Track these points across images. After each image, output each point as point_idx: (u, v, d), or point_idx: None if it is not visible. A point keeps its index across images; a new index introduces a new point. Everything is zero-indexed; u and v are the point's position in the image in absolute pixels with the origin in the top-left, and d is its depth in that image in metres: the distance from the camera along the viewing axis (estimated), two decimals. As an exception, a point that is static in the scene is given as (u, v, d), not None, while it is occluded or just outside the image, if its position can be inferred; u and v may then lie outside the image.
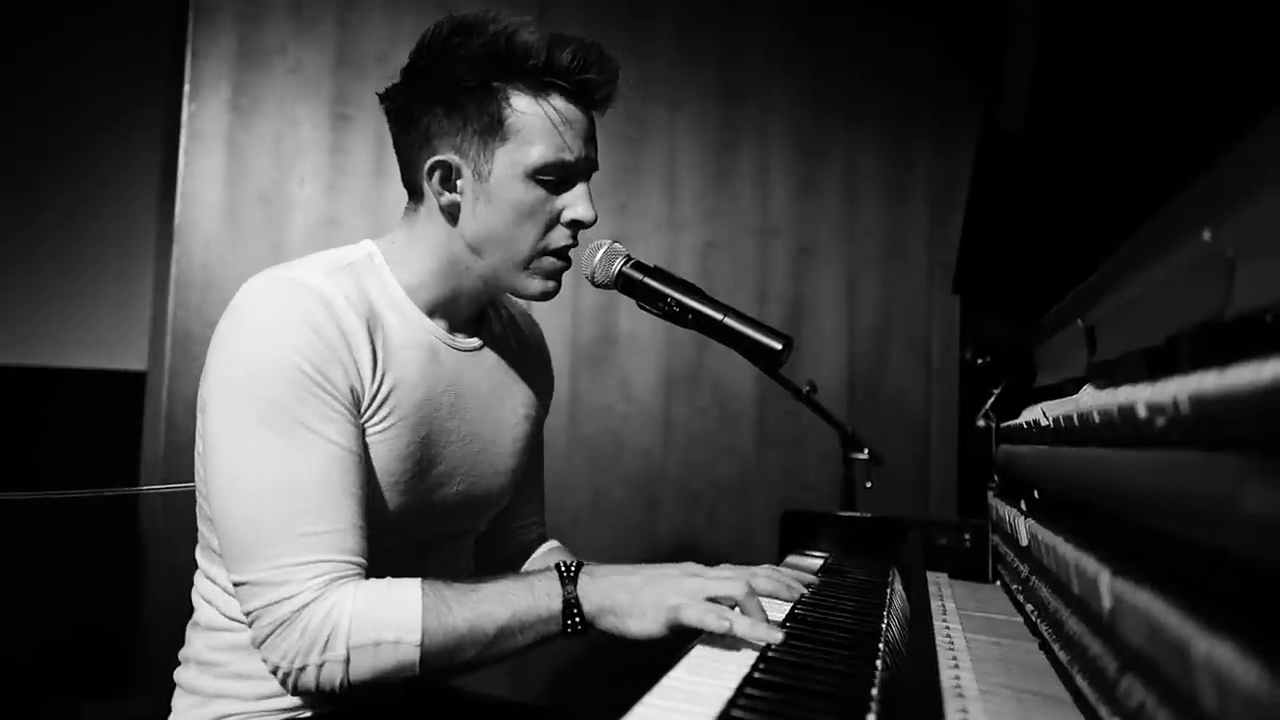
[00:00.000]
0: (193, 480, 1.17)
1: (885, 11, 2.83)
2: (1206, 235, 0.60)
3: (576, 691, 2.52)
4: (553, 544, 1.47)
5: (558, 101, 1.11)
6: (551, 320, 2.59)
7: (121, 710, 1.51)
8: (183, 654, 1.19)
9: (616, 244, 1.25)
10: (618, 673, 1.05)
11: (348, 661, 0.98)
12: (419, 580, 1.03)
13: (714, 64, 2.74)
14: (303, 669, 0.99)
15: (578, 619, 1.02)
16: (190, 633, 1.19)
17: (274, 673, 1.01)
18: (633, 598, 1.00)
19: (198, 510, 1.18)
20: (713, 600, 0.98)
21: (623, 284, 1.24)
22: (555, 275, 1.17)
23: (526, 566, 1.42)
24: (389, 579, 1.03)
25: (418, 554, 1.21)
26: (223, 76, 2.41)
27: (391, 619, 0.99)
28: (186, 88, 2.38)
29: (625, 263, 1.24)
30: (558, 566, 1.05)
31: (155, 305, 2.54)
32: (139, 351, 2.74)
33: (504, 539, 1.43)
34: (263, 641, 1.00)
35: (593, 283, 1.25)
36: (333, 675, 0.99)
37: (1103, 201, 1.26)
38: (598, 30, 2.65)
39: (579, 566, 1.05)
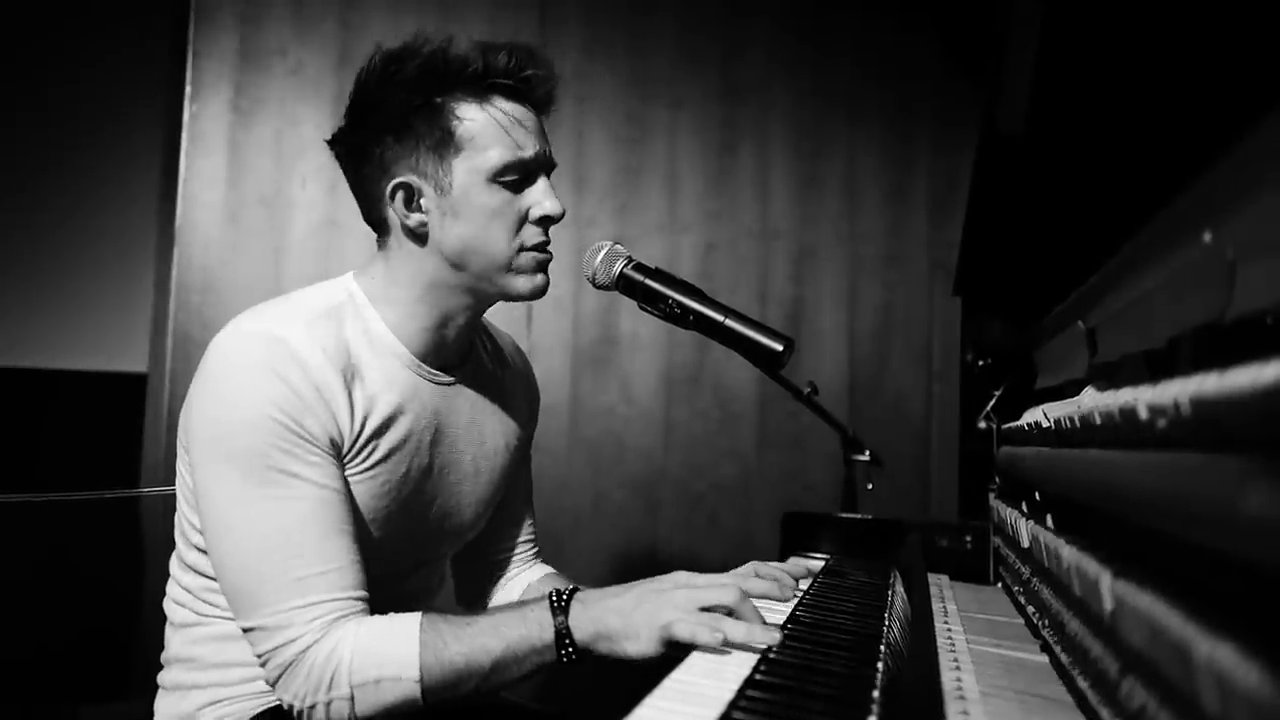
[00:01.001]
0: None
1: (885, 12, 2.83)
2: (1207, 237, 0.60)
3: (577, 692, 2.52)
4: (548, 571, 1.45)
5: (502, 103, 1.13)
6: (552, 322, 2.59)
7: (120, 712, 1.51)
8: (163, 657, 1.22)
9: (618, 245, 1.25)
10: (619, 673, 1.05)
11: (352, 699, 1.01)
12: (418, 615, 1.05)
13: (715, 64, 2.75)
14: (313, 707, 1.02)
15: (570, 648, 1.03)
16: (168, 634, 1.22)
17: (289, 710, 1.04)
18: (625, 620, 1.00)
19: (176, 523, 1.20)
20: (707, 610, 0.98)
21: (624, 285, 1.24)
22: (541, 269, 1.17)
23: (523, 595, 1.40)
24: (390, 615, 1.06)
25: (397, 579, 1.23)
26: (224, 77, 2.41)
27: (390, 657, 1.02)
28: (187, 89, 2.39)
29: (626, 264, 1.24)
30: (550, 596, 1.06)
31: (156, 307, 2.55)
32: (140, 353, 2.74)
33: (492, 567, 1.42)
34: (275, 682, 1.04)
35: (594, 284, 1.26)
36: (341, 712, 1.02)
37: (1103, 204, 1.26)
38: (599, 30, 2.66)
39: (571, 594, 1.05)
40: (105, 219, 2.91)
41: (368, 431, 1.11)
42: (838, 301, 2.78)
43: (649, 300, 1.23)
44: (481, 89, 1.12)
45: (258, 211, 2.42)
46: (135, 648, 1.57)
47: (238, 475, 1.03)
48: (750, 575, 1.16)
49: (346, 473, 1.10)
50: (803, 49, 2.80)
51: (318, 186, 2.46)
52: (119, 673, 1.57)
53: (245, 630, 1.05)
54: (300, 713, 1.03)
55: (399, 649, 1.02)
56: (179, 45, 2.44)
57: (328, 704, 1.01)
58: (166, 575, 1.24)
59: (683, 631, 0.96)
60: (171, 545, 1.22)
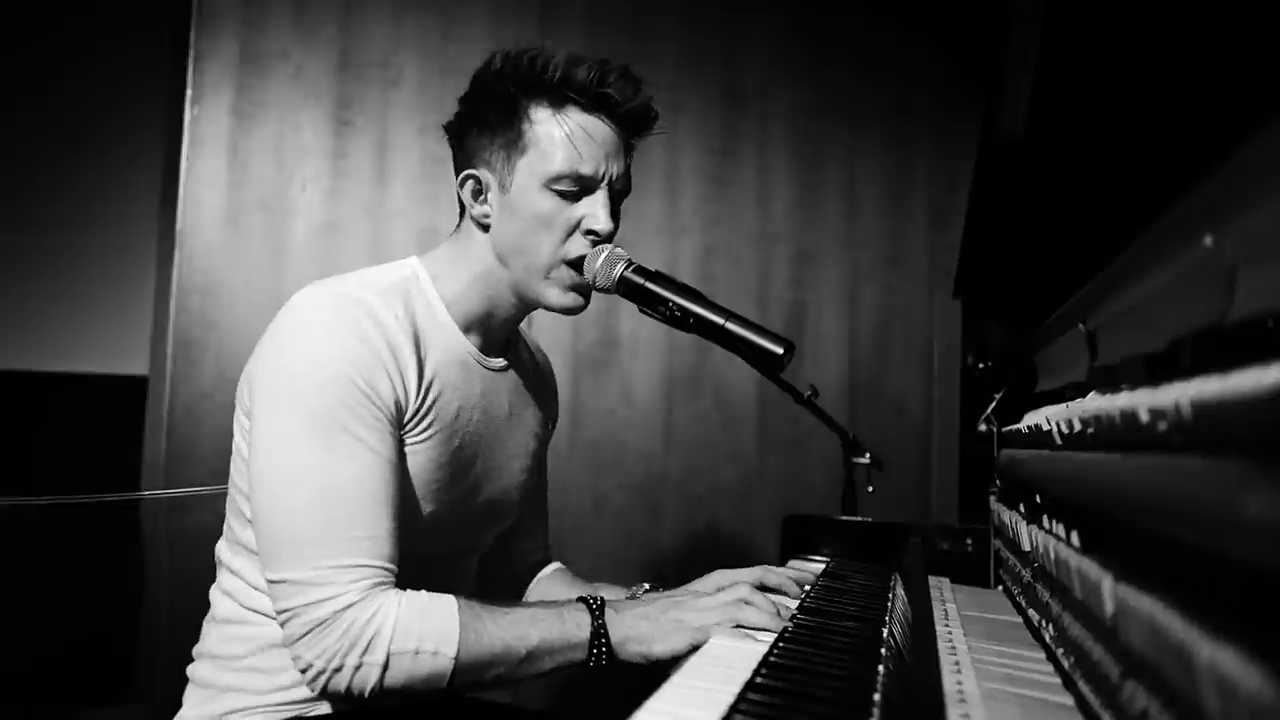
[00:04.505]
0: (195, 485, 1.19)
1: (885, 15, 2.84)
2: (1208, 240, 0.60)
3: (577, 697, 2.51)
4: (557, 565, 1.51)
5: (575, 114, 1.16)
6: (553, 325, 2.59)
7: (120, 715, 1.51)
8: (196, 649, 1.23)
9: (618, 249, 1.25)
10: (619, 678, 1.05)
11: (385, 666, 1.02)
12: (453, 597, 1.07)
13: (715, 68, 2.75)
14: (339, 669, 1.01)
15: (604, 648, 1.08)
16: (206, 627, 1.22)
17: (304, 671, 1.03)
18: (653, 625, 1.07)
19: (228, 505, 1.21)
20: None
21: (624, 288, 1.24)
22: (578, 289, 1.21)
23: (532, 587, 1.47)
24: (426, 592, 1.08)
25: (430, 568, 1.23)
26: (225, 80, 2.42)
27: (431, 631, 1.03)
28: (189, 92, 2.39)
29: (627, 267, 1.24)
30: (584, 600, 1.12)
31: (157, 310, 2.54)
32: (140, 356, 2.74)
33: (508, 560, 1.47)
34: (298, 639, 1.02)
35: (594, 287, 1.26)
36: (366, 679, 1.02)
37: (1104, 207, 1.26)
38: (598, 33, 2.66)
39: (603, 601, 1.12)
40: (106, 221, 2.91)
41: (430, 397, 1.14)
42: (838, 305, 2.78)
43: (649, 303, 1.24)
44: (559, 97, 1.16)
45: (258, 215, 2.42)
46: (135, 651, 1.56)
47: (303, 428, 1.04)
48: (761, 576, 1.25)
49: (406, 439, 1.13)
50: (803, 52, 2.80)
51: (318, 190, 2.46)
52: (118, 676, 1.57)
53: (273, 582, 1.04)
54: (320, 673, 1.01)
55: (441, 624, 1.04)
56: (180, 48, 2.44)
57: (356, 667, 1.01)
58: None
59: (717, 634, 1.04)
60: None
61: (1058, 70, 1.17)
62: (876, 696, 0.79)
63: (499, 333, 1.27)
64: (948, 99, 2.82)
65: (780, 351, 1.19)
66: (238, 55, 2.43)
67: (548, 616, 1.09)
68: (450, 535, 1.25)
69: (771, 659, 0.91)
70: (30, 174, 2.88)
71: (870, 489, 1.82)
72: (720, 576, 1.26)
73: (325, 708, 1.14)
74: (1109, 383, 0.89)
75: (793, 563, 1.58)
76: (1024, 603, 1.16)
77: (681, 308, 1.21)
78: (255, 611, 1.16)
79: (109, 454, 2.67)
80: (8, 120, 2.87)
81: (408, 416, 1.12)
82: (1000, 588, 1.42)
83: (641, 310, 1.26)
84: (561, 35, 2.62)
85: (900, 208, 2.83)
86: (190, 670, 1.21)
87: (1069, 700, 0.80)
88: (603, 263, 1.24)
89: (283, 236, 2.43)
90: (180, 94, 2.41)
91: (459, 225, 1.24)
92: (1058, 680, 0.86)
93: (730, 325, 1.20)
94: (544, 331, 2.58)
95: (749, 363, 1.23)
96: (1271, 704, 0.39)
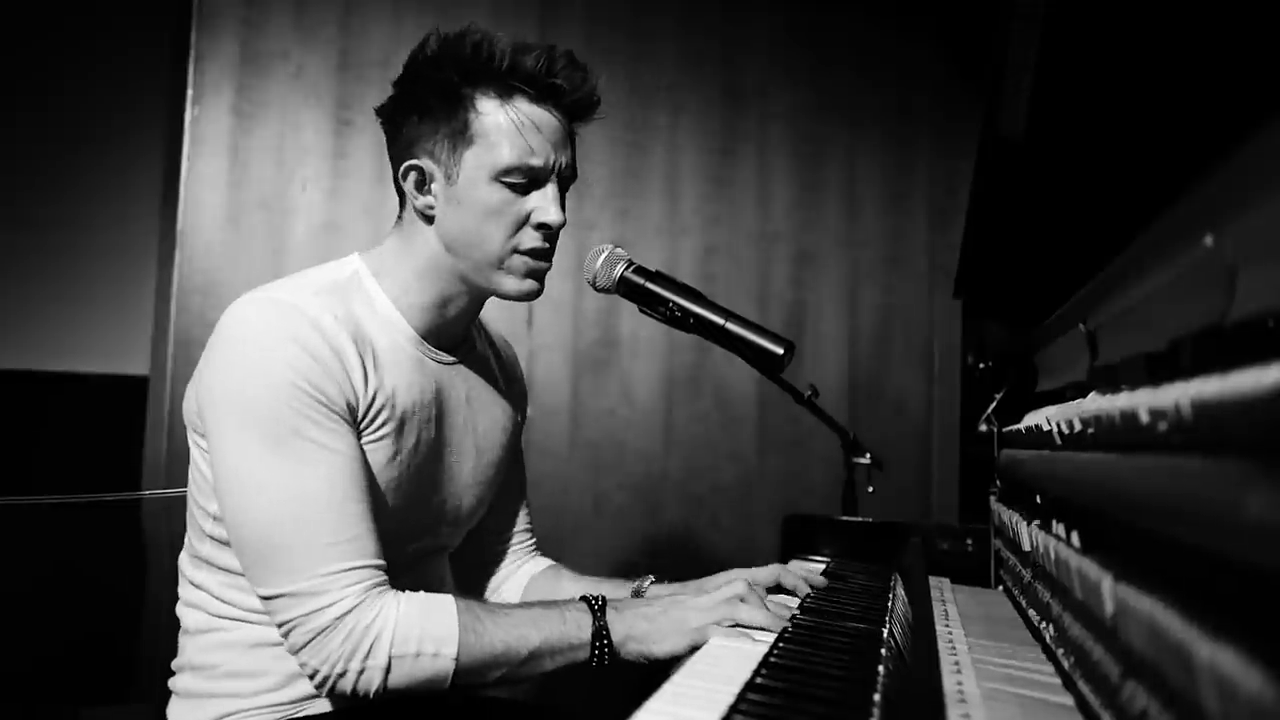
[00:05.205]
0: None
1: (886, 15, 2.83)
2: (1208, 240, 0.60)
3: (577, 696, 2.51)
4: (550, 563, 1.46)
5: (523, 105, 1.13)
6: (553, 324, 2.59)
7: (120, 715, 1.50)
8: (175, 663, 1.21)
9: (618, 249, 1.26)
10: (619, 677, 1.05)
11: (388, 669, 1.02)
12: (452, 598, 1.08)
13: (715, 67, 2.75)
14: (343, 674, 1.02)
15: (605, 648, 1.08)
16: (181, 640, 1.20)
17: (312, 677, 1.04)
18: (653, 625, 1.07)
19: (188, 519, 1.19)
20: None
21: (624, 289, 1.24)
22: (533, 275, 1.18)
23: (528, 586, 1.42)
24: (425, 594, 1.07)
25: (398, 568, 1.22)
26: (225, 81, 2.41)
27: (431, 632, 1.03)
28: (189, 92, 2.39)
29: (627, 267, 1.24)
30: (585, 599, 1.11)
31: (158, 310, 2.55)
32: (141, 356, 2.74)
33: (490, 556, 1.44)
34: (302, 648, 1.03)
35: (594, 287, 1.26)
36: (370, 681, 1.02)
37: (1105, 207, 1.25)
38: (598, 33, 2.66)
39: (604, 601, 1.11)
40: (107, 221, 2.91)
41: (380, 396, 1.12)
42: (838, 305, 2.78)
43: (649, 303, 1.24)
44: (506, 87, 1.13)
45: (258, 215, 2.42)
46: (135, 651, 1.57)
47: (260, 442, 1.03)
48: (778, 573, 1.26)
49: (363, 438, 1.11)
50: (803, 52, 2.80)
51: (318, 190, 2.46)
52: (119, 676, 1.57)
53: (267, 598, 1.04)
54: (326, 679, 1.02)
55: (441, 626, 1.04)
56: (181, 48, 2.44)
57: (360, 672, 1.01)
58: (167, 578, 1.23)
59: (714, 635, 1.04)
60: (174, 548, 1.22)
61: (1057, 70, 1.17)
62: (876, 697, 0.79)
63: (455, 325, 1.23)
64: (948, 99, 2.82)
65: (780, 351, 1.19)
66: (238, 55, 2.42)
67: (549, 617, 1.08)
68: (413, 533, 1.22)
69: (771, 659, 0.91)
70: (30, 174, 2.88)
71: (870, 489, 1.82)
72: (735, 576, 1.25)
73: (315, 708, 1.13)
74: (1109, 383, 0.89)
75: (793, 563, 1.58)
76: (1024, 603, 1.15)
77: (682, 308, 1.22)
78: (226, 618, 1.14)
79: (109, 454, 2.67)
80: (8, 120, 2.87)
81: (360, 414, 1.10)
82: (1000, 588, 1.42)
83: (641, 310, 1.26)
84: (561, 35, 2.62)
85: (900, 208, 2.83)
86: (172, 683, 1.19)
87: (1069, 700, 0.80)
88: (603, 263, 1.24)
89: (283, 236, 2.43)
90: (181, 94, 2.41)
91: (400, 217, 1.20)
92: (1058, 680, 0.86)
93: (730, 325, 1.20)
94: (544, 331, 2.58)
95: (749, 363, 1.23)
96: (1272, 704, 0.39)
